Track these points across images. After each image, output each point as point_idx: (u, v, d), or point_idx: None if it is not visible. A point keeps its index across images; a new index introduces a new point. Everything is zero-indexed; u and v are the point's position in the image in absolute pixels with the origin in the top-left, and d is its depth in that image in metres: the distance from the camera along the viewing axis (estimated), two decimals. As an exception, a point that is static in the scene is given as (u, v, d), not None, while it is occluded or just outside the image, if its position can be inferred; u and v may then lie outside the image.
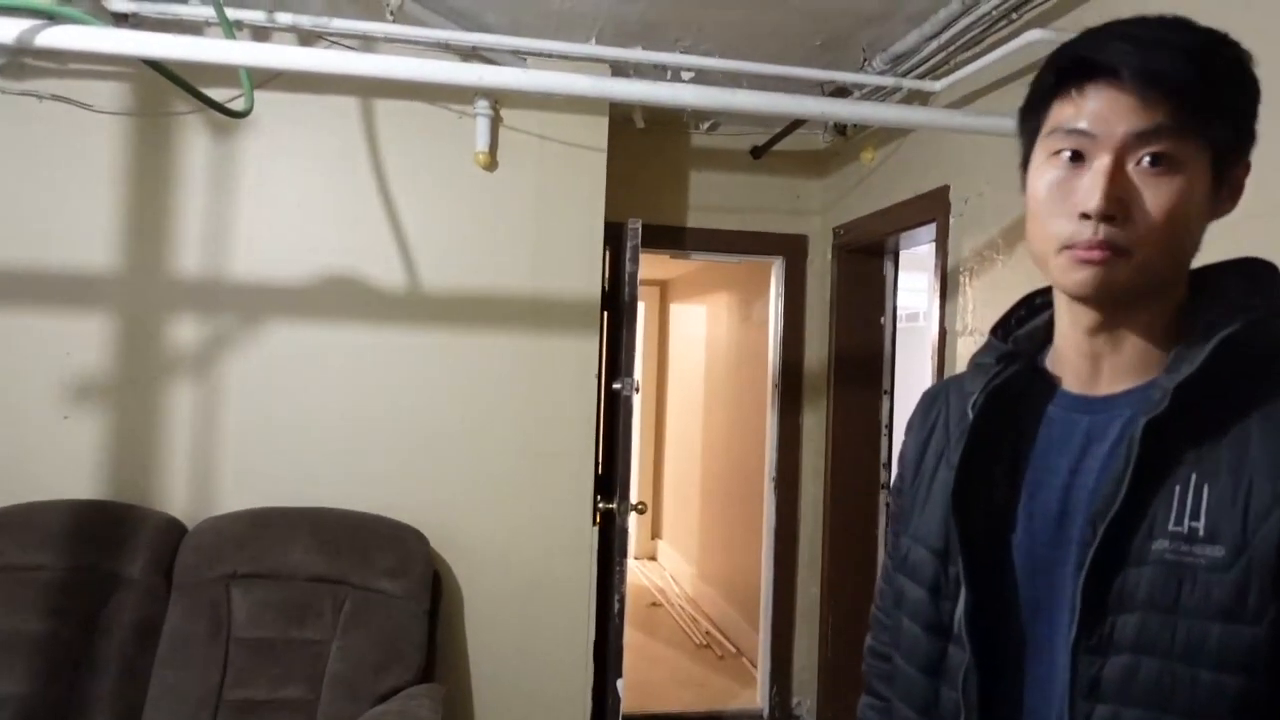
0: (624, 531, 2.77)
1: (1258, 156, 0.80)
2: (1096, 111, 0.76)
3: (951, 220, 2.61)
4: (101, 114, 2.56)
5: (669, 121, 3.43)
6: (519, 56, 2.62)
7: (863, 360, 3.49)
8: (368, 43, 2.55)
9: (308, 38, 2.54)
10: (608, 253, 2.92)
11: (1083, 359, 0.84)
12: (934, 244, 2.73)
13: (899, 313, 3.54)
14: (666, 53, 2.61)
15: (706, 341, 5.52)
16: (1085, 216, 0.75)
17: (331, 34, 2.46)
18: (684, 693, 4.08)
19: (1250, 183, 0.80)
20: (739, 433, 4.66)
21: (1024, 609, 0.82)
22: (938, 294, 2.66)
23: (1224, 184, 0.78)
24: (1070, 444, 0.83)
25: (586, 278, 2.82)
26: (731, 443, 4.84)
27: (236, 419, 2.62)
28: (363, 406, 2.69)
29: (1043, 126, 0.81)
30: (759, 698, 3.73)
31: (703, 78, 2.64)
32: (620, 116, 3.14)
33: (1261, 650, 0.69)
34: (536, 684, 2.76)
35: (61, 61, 2.53)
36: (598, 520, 2.83)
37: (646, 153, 3.45)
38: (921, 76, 2.58)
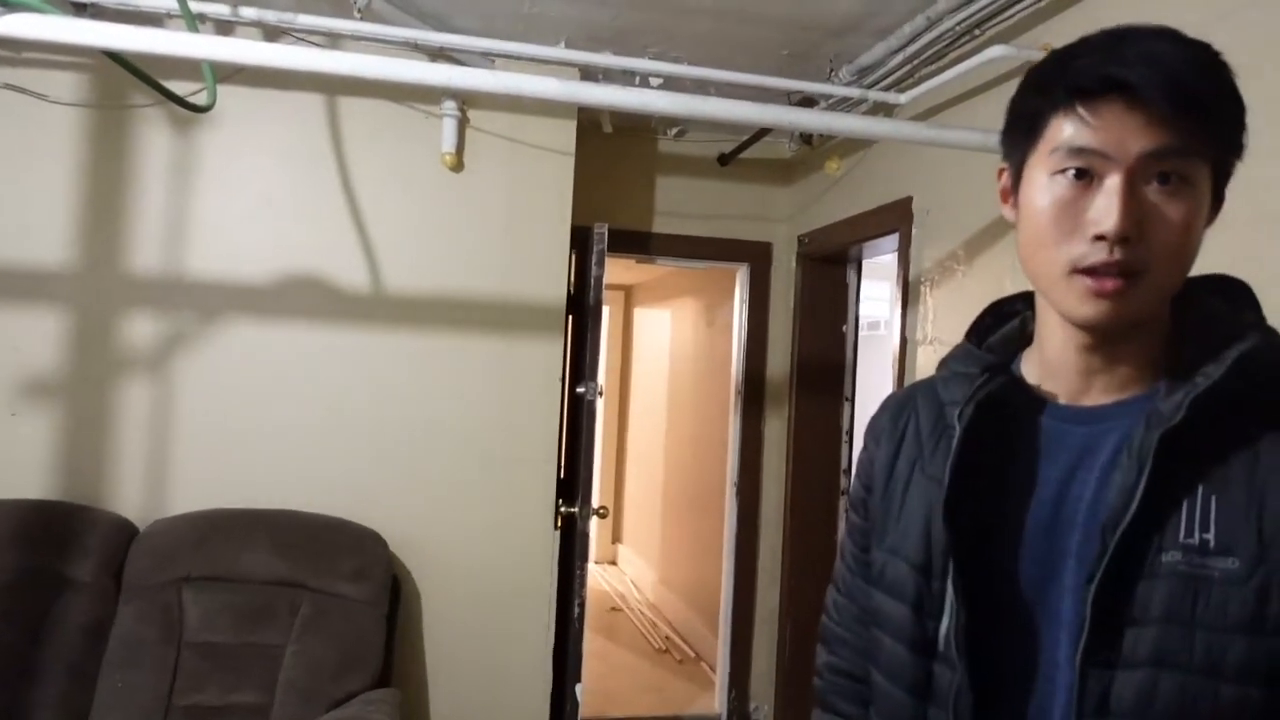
0: (585, 536, 2.76)
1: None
2: (1108, 129, 0.73)
3: (914, 231, 2.65)
4: (57, 105, 2.50)
5: (637, 127, 3.45)
6: (488, 58, 2.61)
7: (825, 367, 3.53)
8: (334, 40, 2.53)
9: (273, 33, 2.50)
10: (573, 256, 2.92)
11: (1075, 374, 0.83)
12: (896, 254, 2.77)
13: (861, 321, 3.59)
14: (636, 58, 2.62)
15: (670, 347, 5.53)
16: (1100, 238, 0.73)
17: (298, 30, 2.43)
18: (643, 697, 4.09)
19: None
20: (701, 438, 4.68)
21: (1015, 625, 0.80)
22: (899, 303, 2.70)
23: (1217, 197, 0.78)
24: (1060, 455, 0.81)
25: (552, 281, 2.81)
26: (694, 448, 4.85)
27: (192, 419, 2.57)
28: (323, 408, 2.65)
29: (1038, 143, 0.78)
30: (717, 702, 3.74)
31: (671, 84, 2.66)
32: (588, 121, 3.14)
33: None
34: (495, 689, 2.74)
35: (16, 50, 2.47)
36: (559, 524, 2.83)
37: (614, 157, 3.45)
38: (887, 89, 2.62)
